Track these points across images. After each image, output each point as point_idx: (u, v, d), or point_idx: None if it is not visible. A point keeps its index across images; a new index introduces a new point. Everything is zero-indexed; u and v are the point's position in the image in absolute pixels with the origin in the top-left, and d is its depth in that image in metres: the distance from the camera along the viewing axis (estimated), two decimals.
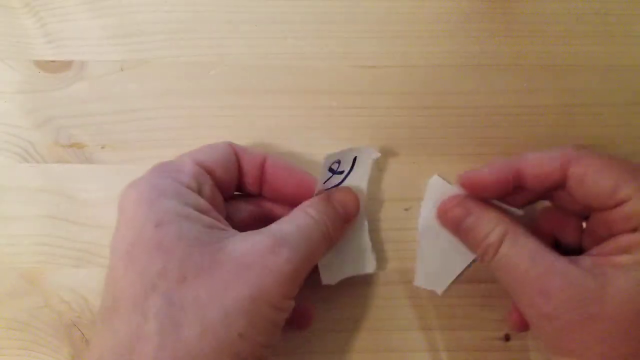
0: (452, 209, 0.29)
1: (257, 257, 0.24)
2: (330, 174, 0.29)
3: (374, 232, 0.32)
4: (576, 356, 0.24)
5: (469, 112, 0.34)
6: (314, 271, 0.28)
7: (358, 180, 0.31)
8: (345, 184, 0.30)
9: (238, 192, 0.30)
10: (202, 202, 0.25)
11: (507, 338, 0.32)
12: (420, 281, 0.31)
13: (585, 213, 0.28)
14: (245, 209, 0.30)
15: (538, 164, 0.27)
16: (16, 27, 0.35)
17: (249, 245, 0.24)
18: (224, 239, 0.24)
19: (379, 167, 0.33)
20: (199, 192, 0.26)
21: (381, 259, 0.32)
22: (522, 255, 0.26)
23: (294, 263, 0.24)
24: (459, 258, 0.31)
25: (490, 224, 0.27)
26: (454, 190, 0.30)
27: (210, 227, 0.25)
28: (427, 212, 0.31)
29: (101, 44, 0.35)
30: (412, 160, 0.33)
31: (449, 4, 0.35)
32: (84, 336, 0.32)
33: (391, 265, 0.32)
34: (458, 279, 0.32)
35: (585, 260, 0.25)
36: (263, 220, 0.29)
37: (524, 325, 0.29)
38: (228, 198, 0.29)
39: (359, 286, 0.32)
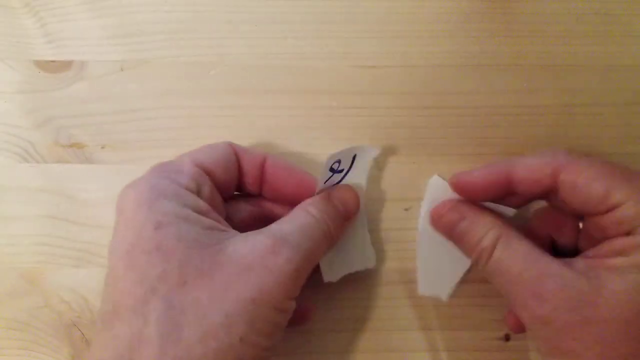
0: (446, 213, 0.29)
1: (258, 257, 0.24)
2: (331, 174, 0.29)
3: (374, 232, 0.32)
4: (573, 357, 0.24)
5: (469, 112, 0.34)
6: (314, 270, 0.28)
7: (357, 177, 0.31)
8: (344, 181, 0.30)
9: (238, 192, 0.30)
10: (201, 204, 0.25)
11: (507, 338, 0.32)
12: (424, 289, 0.31)
13: (581, 214, 0.28)
14: (245, 209, 0.30)
15: (529, 170, 0.27)
16: (16, 27, 0.35)
17: (249, 246, 0.24)
18: (223, 240, 0.24)
19: (378, 167, 0.33)
20: (198, 193, 0.26)
21: (381, 259, 0.32)
22: (516, 258, 0.26)
23: (295, 263, 0.24)
24: (460, 260, 0.31)
25: (483, 228, 0.27)
26: None
27: (209, 228, 0.24)
28: (427, 212, 0.31)
29: (101, 44, 0.34)
30: (412, 160, 0.33)
31: (449, 4, 0.35)
32: (84, 336, 0.32)
33: (391, 265, 0.32)
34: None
35: (579, 262, 0.25)
36: (263, 220, 0.29)
37: (521, 327, 0.29)
38: (228, 198, 0.29)
39: (359, 286, 0.32)
